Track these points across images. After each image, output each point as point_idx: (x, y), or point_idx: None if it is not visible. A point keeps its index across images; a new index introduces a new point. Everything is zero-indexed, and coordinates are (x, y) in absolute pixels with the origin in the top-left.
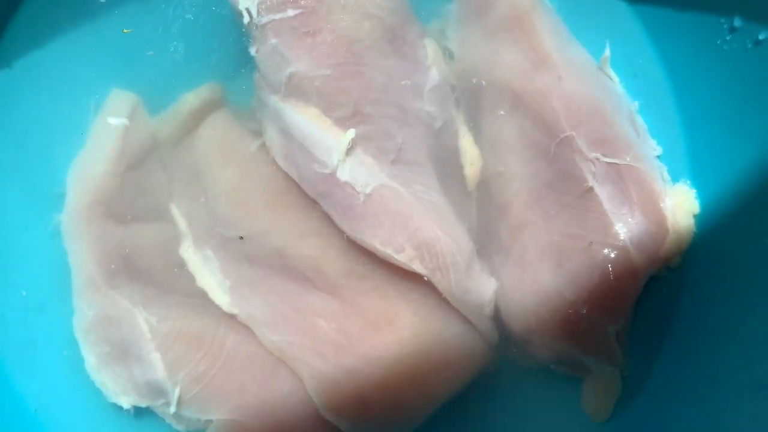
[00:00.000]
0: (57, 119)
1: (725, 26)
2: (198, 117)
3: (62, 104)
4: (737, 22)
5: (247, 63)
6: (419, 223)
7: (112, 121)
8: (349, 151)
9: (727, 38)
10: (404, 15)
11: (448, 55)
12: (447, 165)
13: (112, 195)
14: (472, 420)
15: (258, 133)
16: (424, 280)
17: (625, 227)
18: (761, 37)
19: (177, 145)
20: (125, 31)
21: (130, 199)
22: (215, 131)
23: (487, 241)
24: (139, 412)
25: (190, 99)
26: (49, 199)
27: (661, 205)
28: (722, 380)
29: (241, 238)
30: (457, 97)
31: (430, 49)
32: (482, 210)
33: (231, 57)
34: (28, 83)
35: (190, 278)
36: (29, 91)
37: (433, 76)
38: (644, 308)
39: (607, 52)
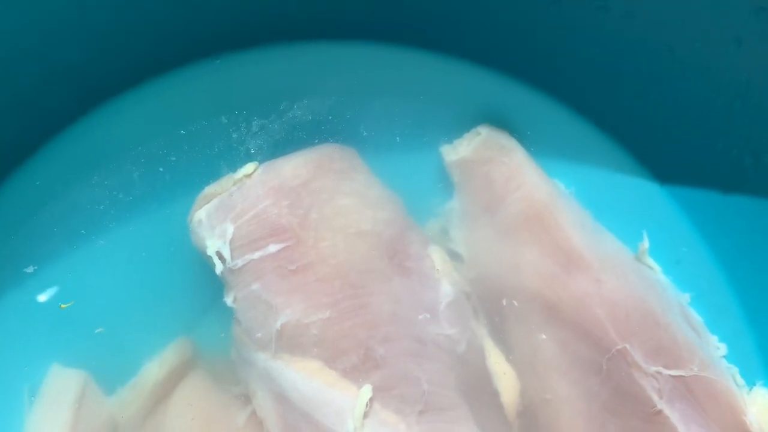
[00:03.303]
0: None
1: None
2: (167, 387)
3: None
4: None
5: (220, 303)
6: None
7: (55, 410)
8: (366, 411)
9: None
10: (402, 223)
11: (455, 258)
12: (479, 393)
13: None
14: None
15: (245, 398)
16: None
17: None
18: None
19: (143, 426)
20: (62, 306)
21: None
22: (191, 405)
23: None
24: None
25: (155, 369)
26: None
27: (744, 418)
28: None
29: None
30: (474, 306)
31: (436, 257)
32: None
33: (199, 299)
34: None
35: None
36: None
37: (446, 290)
38: None
39: (646, 242)
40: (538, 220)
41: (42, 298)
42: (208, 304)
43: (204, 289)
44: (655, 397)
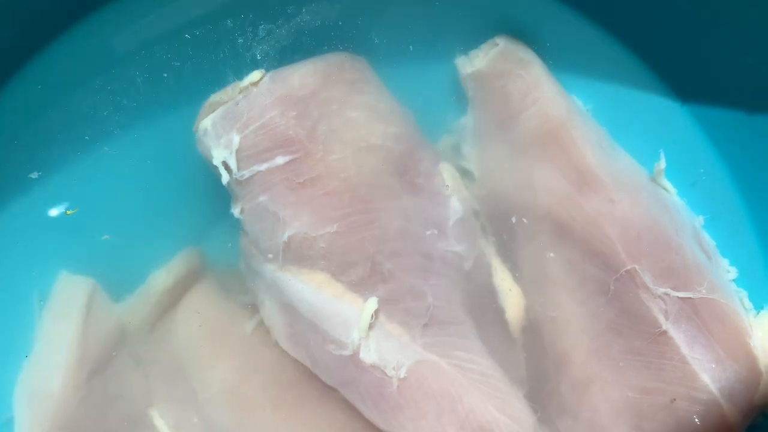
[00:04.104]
0: None
1: None
2: (175, 296)
3: None
4: None
5: (228, 213)
6: (470, 405)
7: (65, 316)
8: (371, 322)
9: None
10: (413, 139)
11: (466, 176)
12: (484, 309)
13: (76, 415)
14: None
15: (253, 308)
16: None
17: (711, 375)
18: None
19: (152, 332)
20: (69, 212)
21: (99, 414)
22: (198, 313)
23: (545, 399)
24: None
25: (162, 278)
26: None
27: (749, 341)
28: None
29: None
30: (483, 224)
31: (447, 175)
32: (534, 359)
33: (208, 209)
34: None
35: None
36: None
37: (455, 207)
38: None
39: (662, 162)
40: (554, 137)
41: (47, 204)
42: (216, 214)
43: (212, 198)
44: (661, 319)
